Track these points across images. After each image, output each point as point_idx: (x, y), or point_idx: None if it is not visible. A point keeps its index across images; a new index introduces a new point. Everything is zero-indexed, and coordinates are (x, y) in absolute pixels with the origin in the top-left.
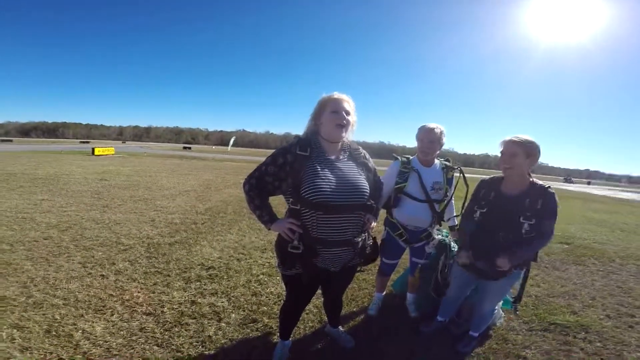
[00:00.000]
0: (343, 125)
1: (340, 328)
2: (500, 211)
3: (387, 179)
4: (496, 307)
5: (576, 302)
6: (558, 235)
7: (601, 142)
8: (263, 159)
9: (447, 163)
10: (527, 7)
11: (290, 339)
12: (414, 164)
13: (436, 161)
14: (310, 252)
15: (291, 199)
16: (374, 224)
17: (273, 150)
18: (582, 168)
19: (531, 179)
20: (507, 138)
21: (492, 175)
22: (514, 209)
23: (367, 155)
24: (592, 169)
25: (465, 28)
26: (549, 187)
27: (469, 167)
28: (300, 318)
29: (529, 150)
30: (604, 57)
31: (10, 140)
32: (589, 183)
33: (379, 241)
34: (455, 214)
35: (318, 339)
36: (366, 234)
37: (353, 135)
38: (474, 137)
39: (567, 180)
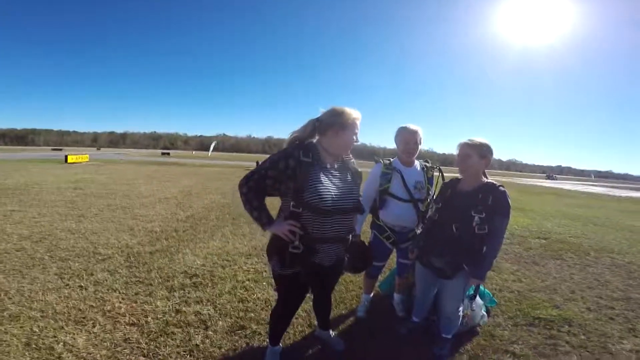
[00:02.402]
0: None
1: (331, 331)
2: (453, 206)
3: (371, 182)
4: (477, 307)
5: (557, 296)
6: (535, 230)
7: (573, 140)
8: (245, 163)
9: (426, 164)
10: (499, 8)
11: (280, 344)
12: (395, 165)
13: (416, 162)
14: (310, 251)
15: (292, 202)
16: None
17: (269, 155)
18: (554, 164)
19: (485, 179)
20: (462, 141)
21: (453, 177)
22: (466, 203)
23: (354, 161)
24: (564, 165)
25: (439, 27)
26: (500, 185)
27: (447, 166)
28: (290, 323)
29: (482, 152)
30: (574, 57)
31: None
32: (548, 177)
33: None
34: None
35: (308, 344)
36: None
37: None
38: (452, 137)
39: (550, 177)
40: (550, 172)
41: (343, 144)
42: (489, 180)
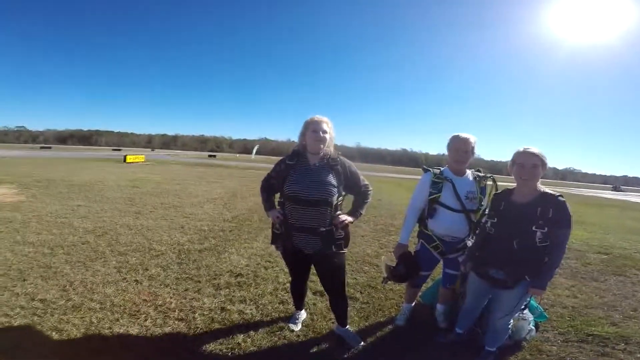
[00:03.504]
0: (320, 140)
1: (349, 327)
2: (511, 219)
3: (419, 191)
4: (525, 321)
5: (616, 313)
6: (596, 245)
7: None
8: None
9: (478, 173)
10: (550, 6)
11: (303, 310)
12: (446, 174)
13: (468, 171)
14: (287, 234)
15: (279, 195)
16: (346, 219)
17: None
18: (618, 174)
19: (542, 189)
20: (522, 149)
21: (505, 188)
22: (524, 217)
23: (346, 164)
24: (630, 175)
25: (485, 29)
26: (560, 195)
27: (496, 174)
28: (311, 323)
29: (544, 161)
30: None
31: (50, 147)
32: (615, 189)
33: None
34: None
35: (328, 342)
36: (334, 227)
37: (332, 147)
38: (500, 143)
39: (616, 189)
40: (616, 183)
41: (311, 142)
42: (546, 190)
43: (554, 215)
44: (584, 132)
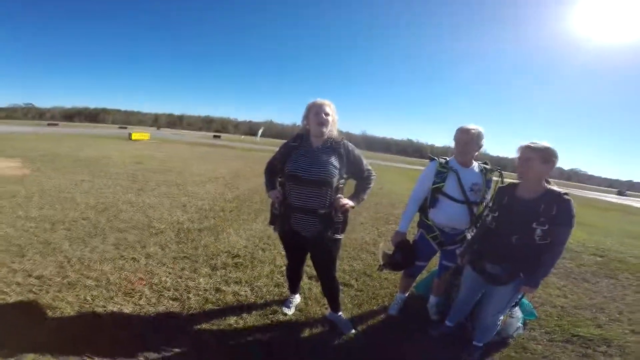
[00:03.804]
0: (323, 123)
1: (341, 314)
2: (512, 214)
3: (424, 179)
4: (514, 318)
5: (603, 315)
6: (592, 247)
7: None
8: None
9: (485, 165)
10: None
11: (298, 294)
12: (452, 164)
13: (474, 163)
14: (285, 214)
15: (280, 175)
16: (347, 203)
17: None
18: (623, 179)
19: (548, 186)
20: (524, 144)
21: (510, 182)
22: (526, 212)
23: (350, 148)
24: (635, 180)
25: (504, 25)
26: (565, 193)
27: (501, 170)
28: (304, 307)
29: (545, 156)
30: None
31: (57, 124)
32: (620, 193)
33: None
34: None
35: (319, 325)
36: (334, 209)
37: (335, 130)
38: (507, 138)
39: (621, 194)
40: (621, 187)
41: (314, 125)
42: (552, 188)
43: (557, 212)
44: (595, 133)
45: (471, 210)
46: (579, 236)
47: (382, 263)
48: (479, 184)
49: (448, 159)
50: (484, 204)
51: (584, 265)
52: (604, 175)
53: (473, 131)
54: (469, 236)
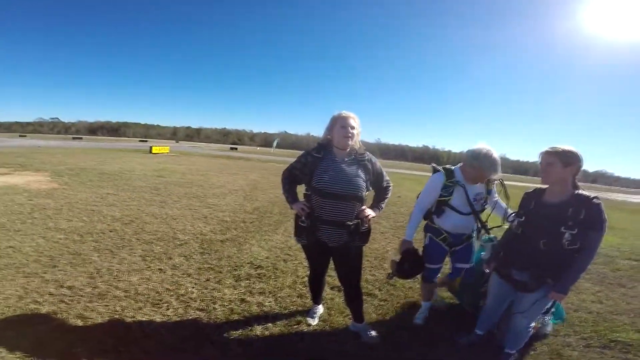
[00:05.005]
0: (349, 137)
1: (365, 324)
2: (539, 219)
3: (430, 192)
4: (545, 322)
5: None
6: (626, 250)
7: None
8: None
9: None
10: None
11: (321, 304)
12: (457, 177)
13: None
14: (313, 227)
15: (306, 187)
16: (370, 214)
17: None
18: None
19: (576, 190)
20: (545, 149)
21: (536, 187)
22: (554, 217)
23: (373, 160)
24: None
25: (518, 23)
26: (595, 197)
27: (522, 174)
28: (328, 318)
29: (567, 159)
30: None
31: (81, 138)
32: None
33: (420, 249)
34: (505, 207)
35: (344, 337)
36: (360, 220)
37: (358, 142)
38: (528, 142)
39: None
40: None
41: (339, 138)
42: (580, 192)
43: (587, 216)
44: (622, 132)
45: (477, 216)
46: (612, 240)
47: (390, 272)
48: (481, 194)
49: (453, 168)
50: (485, 211)
51: (620, 269)
52: (632, 177)
53: (494, 176)
54: (474, 236)
